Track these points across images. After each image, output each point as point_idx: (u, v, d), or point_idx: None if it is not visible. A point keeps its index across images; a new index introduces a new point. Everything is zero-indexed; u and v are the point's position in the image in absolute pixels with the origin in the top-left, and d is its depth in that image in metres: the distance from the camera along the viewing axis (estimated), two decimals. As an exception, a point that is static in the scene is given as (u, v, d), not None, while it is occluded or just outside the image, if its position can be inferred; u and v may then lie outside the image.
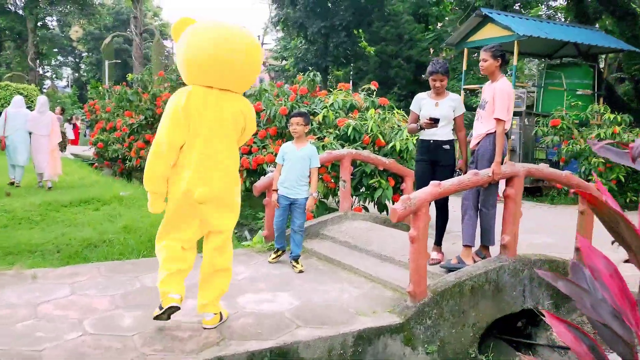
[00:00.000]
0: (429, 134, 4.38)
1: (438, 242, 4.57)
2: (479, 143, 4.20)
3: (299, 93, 7.41)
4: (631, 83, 13.37)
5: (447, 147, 4.38)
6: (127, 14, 36.57)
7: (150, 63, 25.77)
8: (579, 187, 4.51)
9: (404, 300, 3.94)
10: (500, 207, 4.28)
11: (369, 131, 6.32)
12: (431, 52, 22.80)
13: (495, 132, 4.08)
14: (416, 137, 6.47)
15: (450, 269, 4.23)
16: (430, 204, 3.77)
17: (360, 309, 3.77)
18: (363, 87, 7.51)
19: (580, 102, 11.01)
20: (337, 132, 6.59)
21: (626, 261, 1.67)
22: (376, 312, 3.74)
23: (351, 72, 26.06)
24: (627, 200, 9.57)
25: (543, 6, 21.96)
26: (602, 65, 16.22)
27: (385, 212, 6.84)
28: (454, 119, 4.39)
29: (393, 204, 6.81)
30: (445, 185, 3.81)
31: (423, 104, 4.43)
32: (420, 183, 4.46)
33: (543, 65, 12.92)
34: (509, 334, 4.42)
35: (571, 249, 4.62)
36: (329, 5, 23.27)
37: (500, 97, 4.02)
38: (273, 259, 5.02)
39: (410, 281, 3.75)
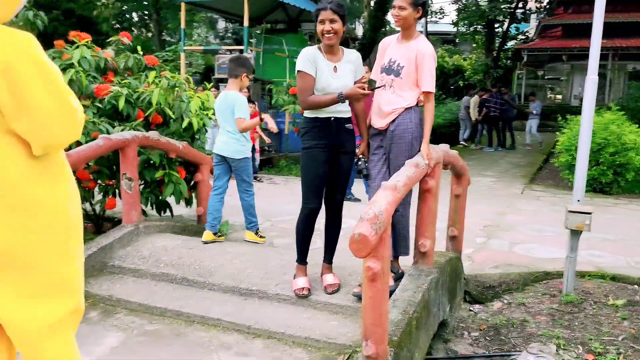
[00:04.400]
0: (329, 110, 2.99)
1: (330, 259, 3.29)
2: (394, 121, 3.04)
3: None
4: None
5: (350, 126, 3.08)
6: None
7: None
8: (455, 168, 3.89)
9: (340, 363, 2.63)
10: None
11: (153, 104, 4.33)
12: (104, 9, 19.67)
13: (414, 106, 3.02)
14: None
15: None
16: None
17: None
18: (110, 39, 5.20)
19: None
20: (97, 104, 4.35)
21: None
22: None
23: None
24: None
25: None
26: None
27: (168, 213, 5.00)
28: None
29: (184, 201, 5.05)
30: (399, 186, 2.56)
31: (319, 65, 2.97)
32: (315, 179, 3.04)
33: (261, 30, 12.31)
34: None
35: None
36: None
37: (427, 62, 2.93)
38: None
39: (368, 338, 2.42)
